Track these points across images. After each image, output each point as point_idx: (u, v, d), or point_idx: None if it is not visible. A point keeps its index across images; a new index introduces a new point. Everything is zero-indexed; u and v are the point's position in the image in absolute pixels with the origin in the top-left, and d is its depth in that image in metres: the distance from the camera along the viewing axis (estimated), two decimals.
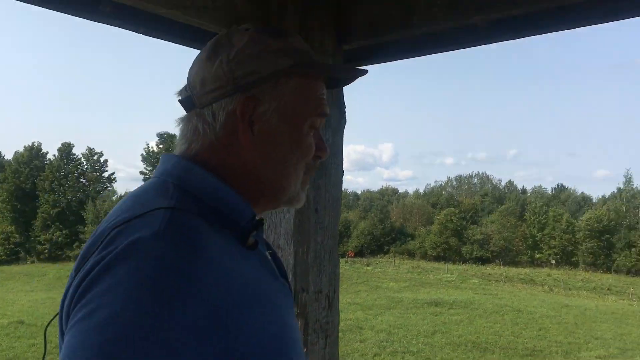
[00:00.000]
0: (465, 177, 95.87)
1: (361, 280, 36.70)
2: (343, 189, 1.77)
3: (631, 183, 69.54)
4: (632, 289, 42.15)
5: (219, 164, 0.94)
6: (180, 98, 0.98)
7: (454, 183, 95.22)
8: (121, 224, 0.81)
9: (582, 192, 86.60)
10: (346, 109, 1.78)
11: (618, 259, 58.70)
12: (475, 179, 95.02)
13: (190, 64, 0.99)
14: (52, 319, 0.90)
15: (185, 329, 0.70)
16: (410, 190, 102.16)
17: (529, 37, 1.58)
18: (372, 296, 28.82)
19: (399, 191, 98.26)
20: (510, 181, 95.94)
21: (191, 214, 0.84)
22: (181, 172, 0.92)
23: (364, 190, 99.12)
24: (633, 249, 58.39)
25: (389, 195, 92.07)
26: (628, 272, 56.32)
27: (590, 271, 56.37)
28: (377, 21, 1.64)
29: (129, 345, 0.67)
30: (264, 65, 0.93)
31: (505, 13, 1.41)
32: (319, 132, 1.03)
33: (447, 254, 62.20)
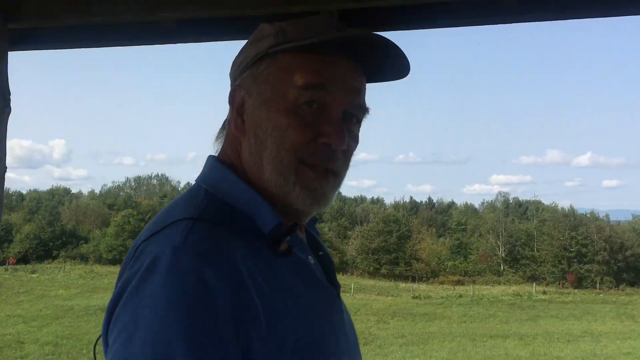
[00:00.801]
0: (145, 178, 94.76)
1: (24, 290, 32.99)
2: (5, 187, 1.55)
3: None
4: None
5: (239, 164, 0.93)
6: None
7: (133, 184, 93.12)
8: (147, 238, 0.82)
9: None
10: (11, 98, 1.56)
11: None
12: (155, 180, 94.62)
13: None
14: (100, 337, 0.87)
15: (212, 341, 0.72)
16: (85, 191, 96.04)
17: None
18: (36, 306, 26.16)
19: (72, 191, 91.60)
20: (189, 183, 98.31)
21: (214, 224, 0.83)
22: (215, 178, 0.92)
23: (30, 190, 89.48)
24: None
25: (60, 196, 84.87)
26: None
27: None
28: (50, 2, 1.48)
29: None
30: (250, 51, 0.92)
31: (198, 13, 1.42)
32: (330, 115, 0.89)
33: (124, 257, 60.33)
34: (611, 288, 51.81)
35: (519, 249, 63.23)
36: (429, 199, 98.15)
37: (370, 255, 63.51)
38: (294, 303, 0.84)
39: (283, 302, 0.82)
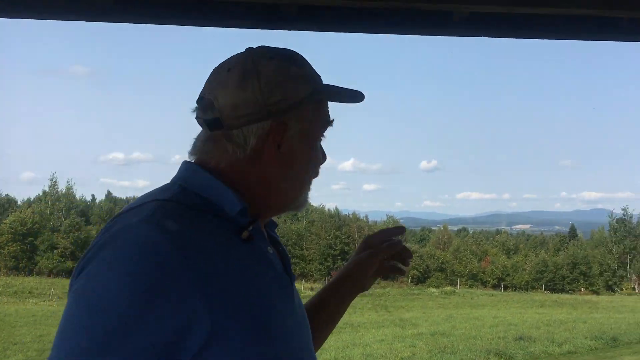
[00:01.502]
0: None
1: None
2: None
3: (56, 186, 71.80)
4: (53, 290, 43.34)
5: (237, 178, 1.03)
6: (205, 117, 1.04)
7: None
8: (121, 214, 0.95)
9: (7, 194, 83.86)
10: None
11: (41, 261, 59.31)
12: None
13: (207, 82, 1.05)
14: None
15: (159, 308, 0.82)
16: None
17: None
18: None
19: None
20: None
21: (183, 207, 0.95)
22: (188, 173, 1.04)
23: None
24: (55, 250, 60.18)
25: None
26: (50, 274, 57.58)
27: (12, 275, 54.77)
28: None
29: (106, 315, 0.81)
30: (291, 92, 1.03)
31: None
32: (321, 145, 1.13)
33: None
34: None
35: (290, 248, 66.46)
36: None
37: None
38: (249, 282, 0.94)
39: (238, 280, 0.92)
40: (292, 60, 1.07)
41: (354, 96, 1.12)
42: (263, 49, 1.07)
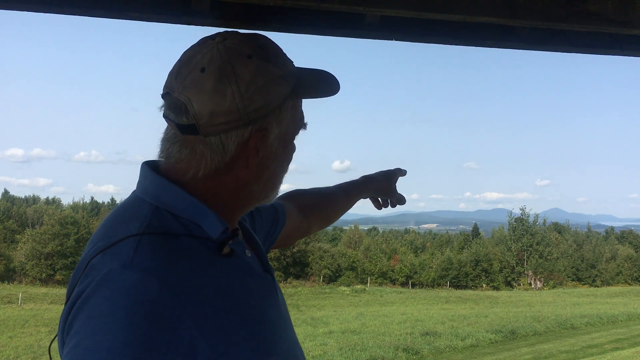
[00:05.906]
0: None
1: None
2: None
3: None
4: None
5: (213, 187, 1.00)
6: (178, 122, 0.97)
7: None
8: (97, 254, 0.89)
9: None
10: None
11: None
12: None
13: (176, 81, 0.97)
14: (54, 339, 0.94)
15: (151, 350, 0.80)
16: None
17: None
18: None
19: None
20: None
21: (160, 237, 0.91)
22: (158, 190, 0.98)
23: None
24: None
25: None
26: None
27: None
28: None
29: None
30: (272, 96, 0.98)
31: None
32: None
33: None
34: (281, 281, 57.24)
35: None
36: (112, 199, 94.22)
37: (43, 260, 57.87)
38: (240, 300, 0.95)
39: (229, 300, 0.93)
40: (270, 58, 1.00)
41: (330, 87, 1.09)
42: (235, 41, 0.99)
